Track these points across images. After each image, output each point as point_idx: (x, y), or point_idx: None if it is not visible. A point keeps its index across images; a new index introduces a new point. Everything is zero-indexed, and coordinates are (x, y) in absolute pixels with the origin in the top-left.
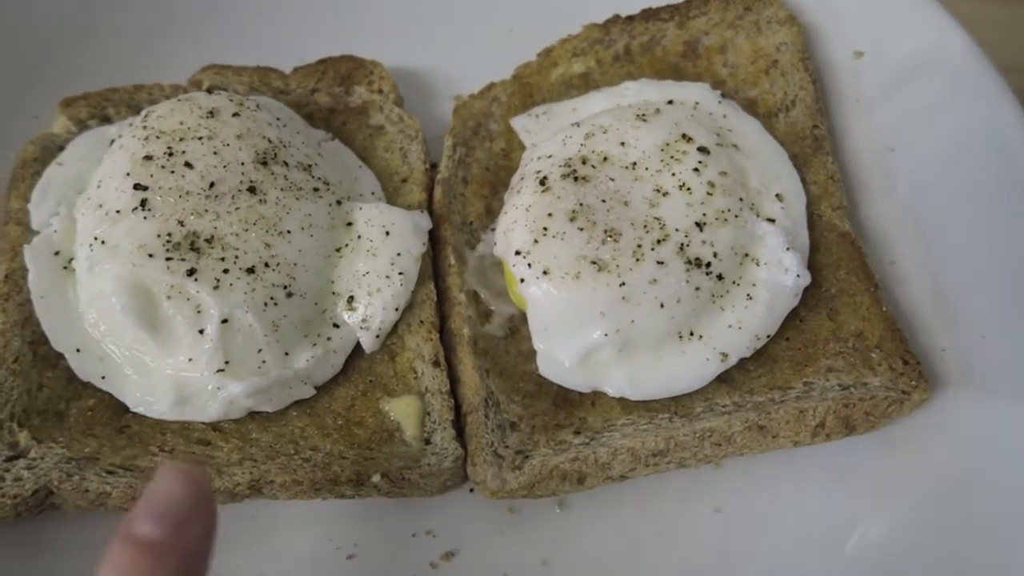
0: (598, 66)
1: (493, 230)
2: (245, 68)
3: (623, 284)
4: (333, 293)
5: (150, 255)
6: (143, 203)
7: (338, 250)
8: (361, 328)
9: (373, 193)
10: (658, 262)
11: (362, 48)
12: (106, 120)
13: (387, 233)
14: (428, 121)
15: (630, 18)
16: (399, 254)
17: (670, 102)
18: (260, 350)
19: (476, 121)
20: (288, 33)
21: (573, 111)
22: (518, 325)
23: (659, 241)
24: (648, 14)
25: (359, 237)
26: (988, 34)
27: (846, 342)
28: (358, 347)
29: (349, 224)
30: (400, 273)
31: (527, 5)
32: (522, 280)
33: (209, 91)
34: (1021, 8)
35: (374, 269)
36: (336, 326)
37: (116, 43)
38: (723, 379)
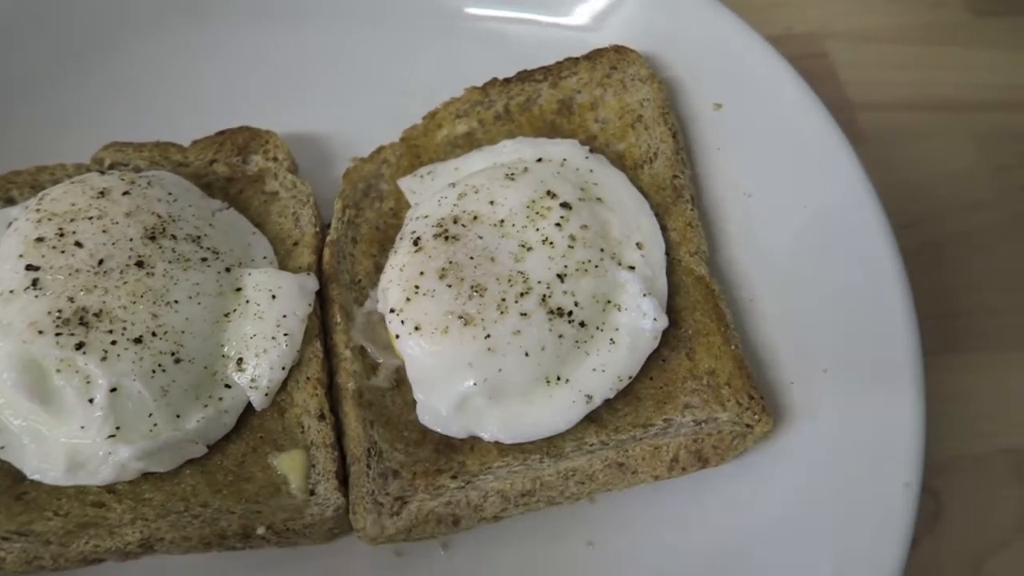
0: (480, 126)
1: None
2: (145, 144)
3: (488, 336)
4: (223, 356)
5: (40, 332)
6: (35, 283)
7: (227, 315)
8: (251, 387)
9: (265, 257)
10: (521, 313)
11: (260, 117)
12: (10, 202)
13: (273, 296)
14: (325, 183)
15: (507, 80)
16: (285, 316)
17: (539, 160)
18: (150, 414)
19: (366, 183)
20: (188, 107)
21: (455, 170)
22: (403, 376)
23: (522, 294)
24: (523, 76)
25: (247, 301)
26: (862, 73)
27: (701, 379)
28: (250, 405)
29: (238, 289)
30: (286, 334)
31: (416, 70)
32: (397, 336)
33: (111, 167)
34: (897, 47)
35: (261, 331)
36: (228, 386)
37: (22, 127)
38: (592, 419)
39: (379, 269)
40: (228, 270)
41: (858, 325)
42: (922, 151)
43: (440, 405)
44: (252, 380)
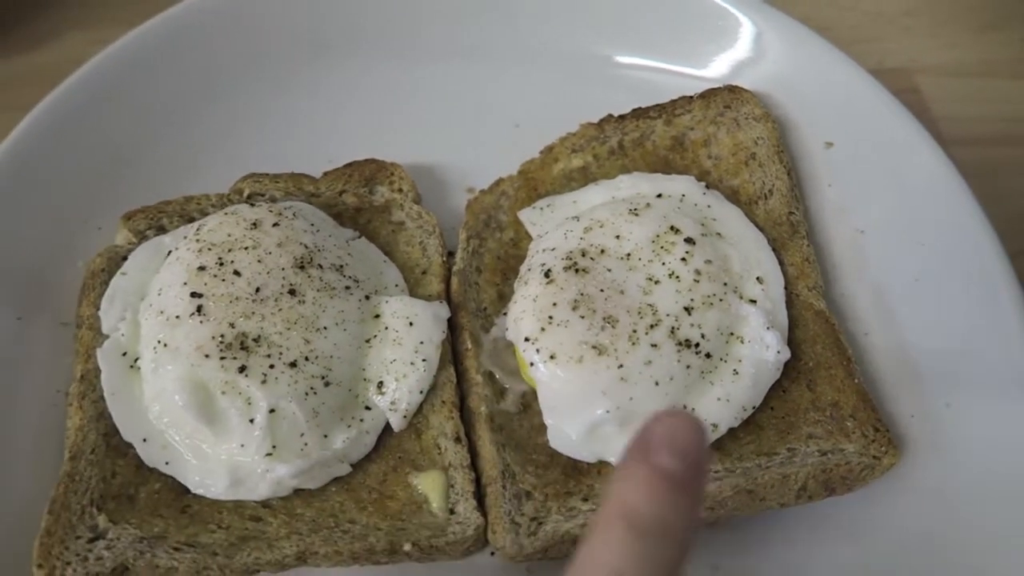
0: (595, 160)
1: (505, 315)
2: (280, 175)
3: (621, 366)
4: (365, 379)
5: (206, 356)
6: (199, 309)
7: (368, 341)
8: (390, 410)
9: (397, 286)
10: (652, 345)
11: (384, 149)
12: (161, 230)
13: (411, 324)
14: (444, 212)
15: (622, 117)
16: (422, 342)
17: (659, 195)
18: (302, 434)
19: (487, 214)
20: (318, 140)
21: (573, 203)
22: (530, 401)
23: (652, 326)
24: (638, 113)
25: (386, 328)
26: (953, 107)
27: (824, 411)
28: (388, 426)
29: (377, 316)
30: (423, 360)
31: (530, 103)
32: (531, 364)
33: (250, 198)
34: (987, 81)
35: (400, 357)
36: (368, 408)
37: (167, 158)
38: (716, 447)
39: (502, 297)
40: (367, 298)
41: (980, 359)
42: (1021, 184)
43: (571, 431)
44: (392, 403)
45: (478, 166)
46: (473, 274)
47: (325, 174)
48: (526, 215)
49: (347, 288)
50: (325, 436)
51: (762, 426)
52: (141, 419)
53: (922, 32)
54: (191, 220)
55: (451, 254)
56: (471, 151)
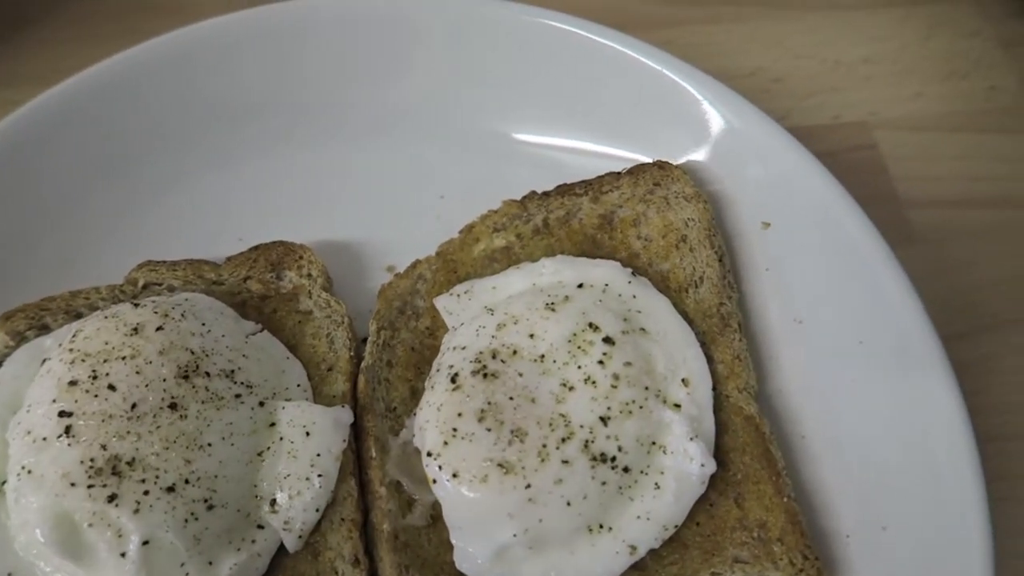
0: (518, 240)
1: (416, 415)
2: (179, 262)
3: (529, 486)
4: (257, 496)
5: (72, 484)
6: (67, 430)
7: (260, 454)
8: (284, 529)
9: (299, 385)
10: (563, 461)
11: (299, 227)
12: (45, 329)
13: (308, 433)
14: (362, 294)
15: (546, 194)
16: (319, 454)
17: (580, 285)
18: (183, 564)
19: (402, 301)
20: (226, 220)
21: (493, 289)
22: (440, 513)
23: (564, 439)
24: (563, 189)
25: (281, 439)
26: (912, 166)
27: (751, 531)
28: (283, 546)
29: (272, 425)
30: (320, 475)
31: (453, 175)
32: (434, 481)
33: (144, 288)
34: (949, 136)
35: (295, 472)
36: (261, 528)
37: (54, 247)
38: (637, 566)
39: (415, 394)
40: (262, 404)
41: (920, 479)
42: (979, 251)
43: (478, 553)
44: (285, 522)
45: (400, 241)
46: (383, 370)
47: (229, 259)
48: (442, 303)
49: (237, 396)
50: (210, 563)
51: (686, 544)
52: (7, 551)
53: (883, 81)
54: (79, 316)
55: (363, 341)
56: (392, 226)
